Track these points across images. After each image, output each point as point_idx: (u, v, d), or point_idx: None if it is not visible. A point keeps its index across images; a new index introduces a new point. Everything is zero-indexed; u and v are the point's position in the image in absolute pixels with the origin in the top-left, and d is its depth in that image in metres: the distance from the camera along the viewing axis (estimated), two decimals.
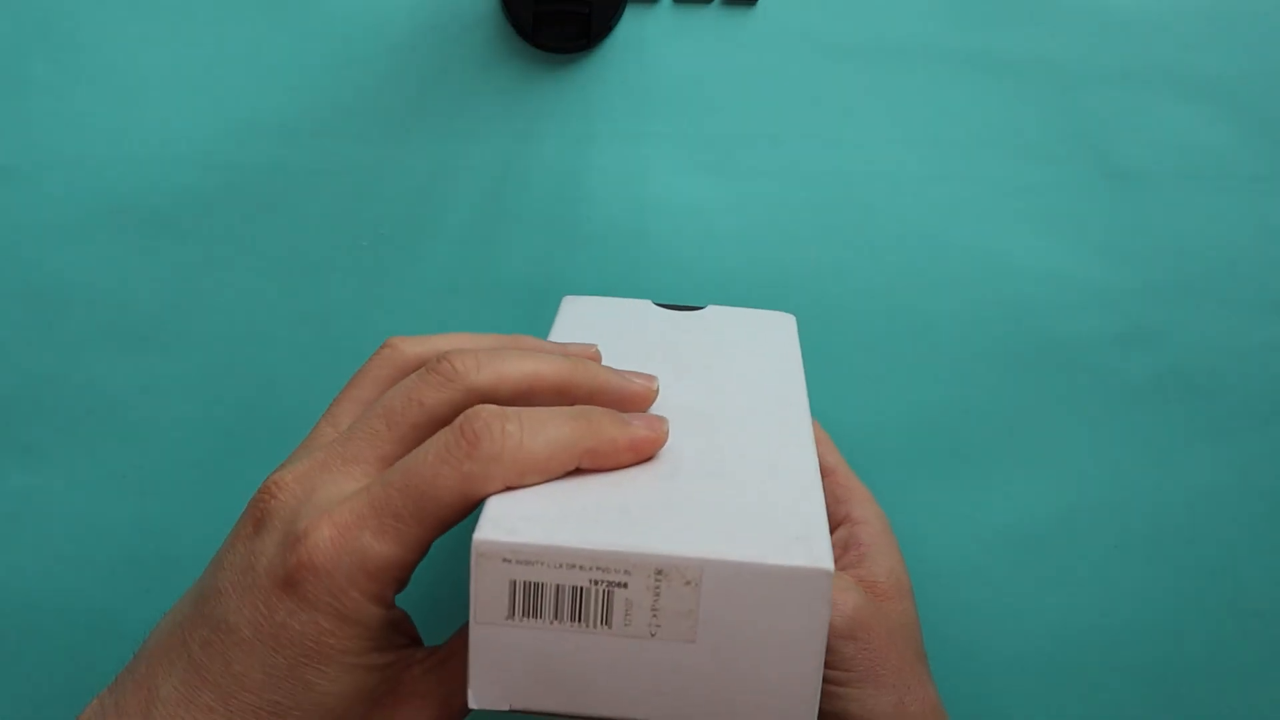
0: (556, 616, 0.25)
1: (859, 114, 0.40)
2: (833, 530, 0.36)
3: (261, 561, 0.27)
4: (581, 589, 0.24)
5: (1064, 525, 0.41)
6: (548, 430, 0.26)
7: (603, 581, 0.24)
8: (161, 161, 0.41)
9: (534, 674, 0.25)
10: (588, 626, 0.25)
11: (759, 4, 0.40)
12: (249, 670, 0.26)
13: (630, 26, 0.40)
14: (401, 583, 0.27)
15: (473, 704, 0.25)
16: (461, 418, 0.26)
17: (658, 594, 0.24)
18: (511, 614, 0.25)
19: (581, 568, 0.24)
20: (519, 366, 0.28)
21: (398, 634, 0.28)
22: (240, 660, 0.26)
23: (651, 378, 0.30)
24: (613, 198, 0.41)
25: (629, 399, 0.29)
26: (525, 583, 0.24)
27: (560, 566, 0.24)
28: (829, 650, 0.32)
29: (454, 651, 0.28)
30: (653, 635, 0.25)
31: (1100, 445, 0.41)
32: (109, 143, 0.41)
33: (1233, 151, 0.40)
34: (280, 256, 0.41)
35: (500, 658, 0.25)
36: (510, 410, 0.27)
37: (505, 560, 0.24)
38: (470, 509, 0.26)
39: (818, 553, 0.24)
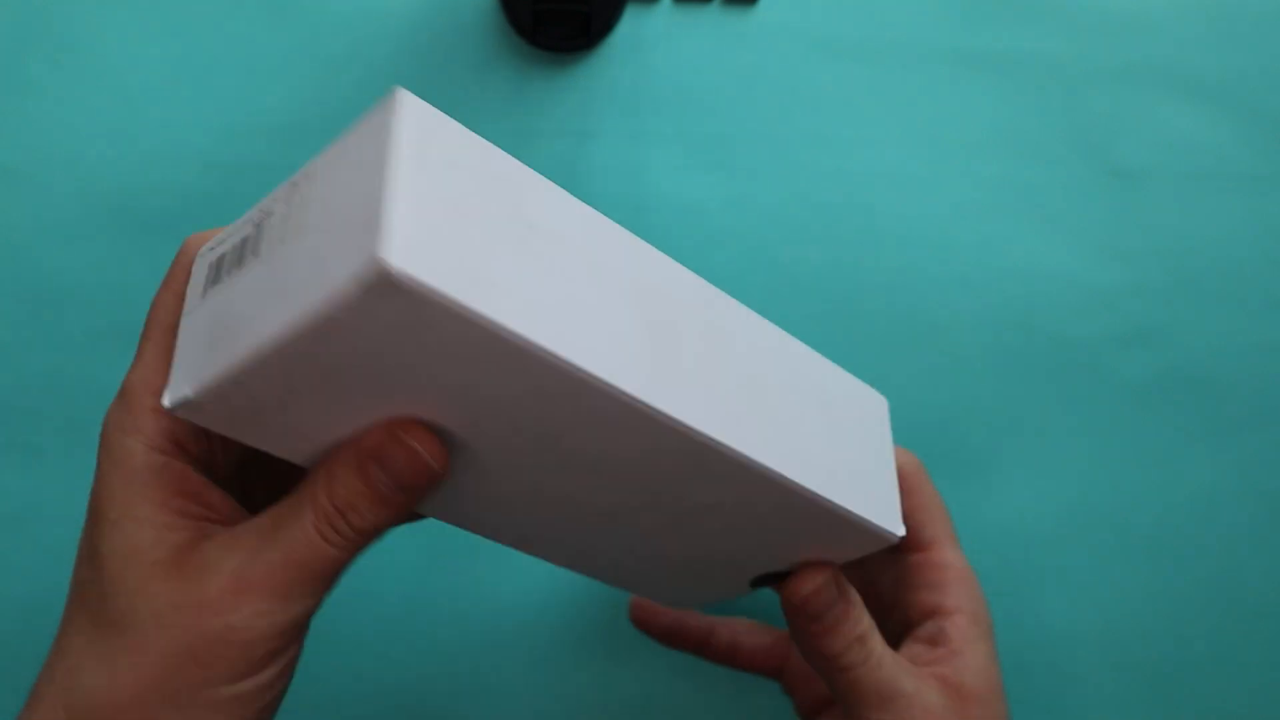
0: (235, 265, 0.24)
1: (859, 114, 0.40)
2: (921, 622, 0.34)
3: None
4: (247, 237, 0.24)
5: (1064, 525, 0.41)
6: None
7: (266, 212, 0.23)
8: (161, 161, 0.41)
9: (206, 337, 0.23)
10: (242, 266, 0.23)
11: (759, 4, 0.40)
12: (77, 559, 0.26)
13: (630, 26, 0.40)
14: (156, 412, 0.25)
15: (166, 400, 0.23)
16: None
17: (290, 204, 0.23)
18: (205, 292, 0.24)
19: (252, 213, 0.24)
20: None
21: (183, 496, 0.26)
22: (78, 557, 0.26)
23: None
24: (612, 197, 0.41)
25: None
26: (218, 256, 0.24)
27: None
28: None
29: (267, 524, 0.25)
30: (283, 242, 0.23)
31: (1101, 445, 0.41)
32: (109, 143, 0.41)
33: (1233, 151, 0.40)
34: None
35: (191, 339, 0.24)
36: None
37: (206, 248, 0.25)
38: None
39: None
